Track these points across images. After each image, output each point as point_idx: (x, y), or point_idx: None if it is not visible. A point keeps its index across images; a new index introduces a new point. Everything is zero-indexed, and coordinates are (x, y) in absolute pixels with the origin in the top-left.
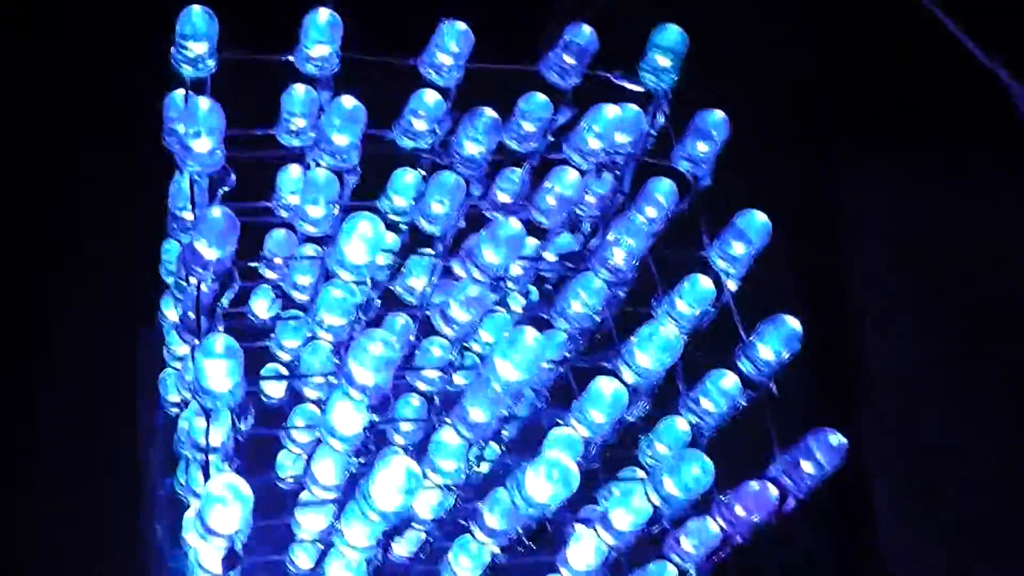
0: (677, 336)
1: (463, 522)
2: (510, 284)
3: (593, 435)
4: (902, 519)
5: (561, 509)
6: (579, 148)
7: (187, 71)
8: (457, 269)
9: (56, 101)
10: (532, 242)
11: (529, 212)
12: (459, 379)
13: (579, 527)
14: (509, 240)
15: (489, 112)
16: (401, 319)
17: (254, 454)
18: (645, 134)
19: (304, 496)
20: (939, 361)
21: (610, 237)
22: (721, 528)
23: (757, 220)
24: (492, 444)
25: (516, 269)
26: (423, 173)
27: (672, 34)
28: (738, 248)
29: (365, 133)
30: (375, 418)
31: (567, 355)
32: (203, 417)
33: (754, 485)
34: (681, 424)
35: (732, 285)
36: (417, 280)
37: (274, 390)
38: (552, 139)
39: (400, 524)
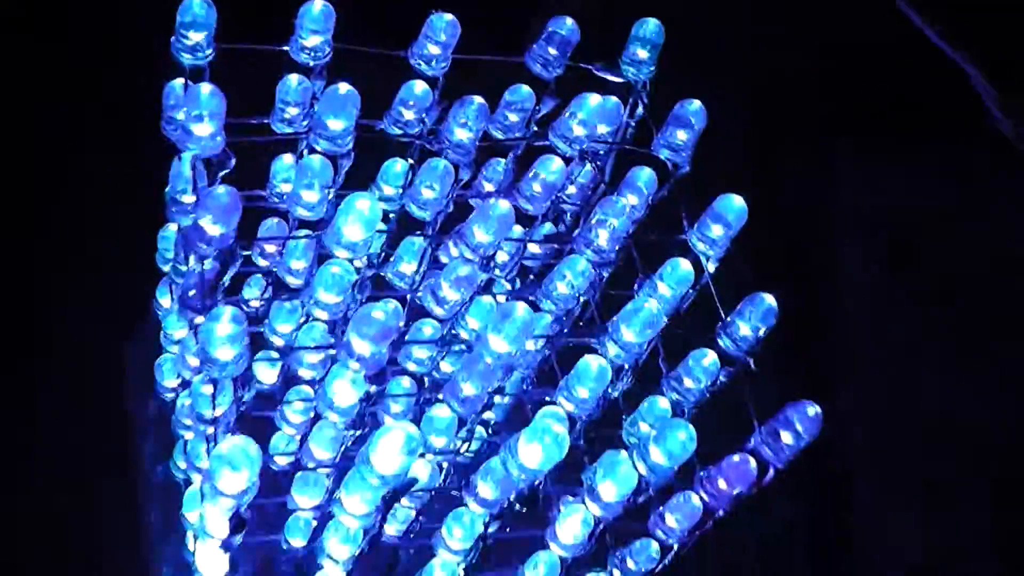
0: (660, 310)
1: (456, 492)
2: (497, 272)
3: (579, 411)
4: (877, 488)
5: (550, 485)
6: (564, 135)
7: (186, 59)
8: (452, 250)
9: (56, 101)
10: (517, 229)
11: (515, 199)
12: (446, 366)
13: (567, 500)
14: (499, 219)
15: (478, 99)
16: (391, 304)
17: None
18: (625, 124)
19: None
20: (938, 359)
21: (593, 219)
22: (704, 502)
23: (735, 204)
24: (479, 428)
25: (503, 256)
26: (411, 162)
27: (651, 27)
28: (716, 230)
29: (357, 122)
30: (372, 388)
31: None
32: (210, 384)
33: (735, 458)
34: (663, 403)
35: (711, 267)
36: (408, 265)
37: (267, 376)
38: (536, 129)
39: (400, 487)
